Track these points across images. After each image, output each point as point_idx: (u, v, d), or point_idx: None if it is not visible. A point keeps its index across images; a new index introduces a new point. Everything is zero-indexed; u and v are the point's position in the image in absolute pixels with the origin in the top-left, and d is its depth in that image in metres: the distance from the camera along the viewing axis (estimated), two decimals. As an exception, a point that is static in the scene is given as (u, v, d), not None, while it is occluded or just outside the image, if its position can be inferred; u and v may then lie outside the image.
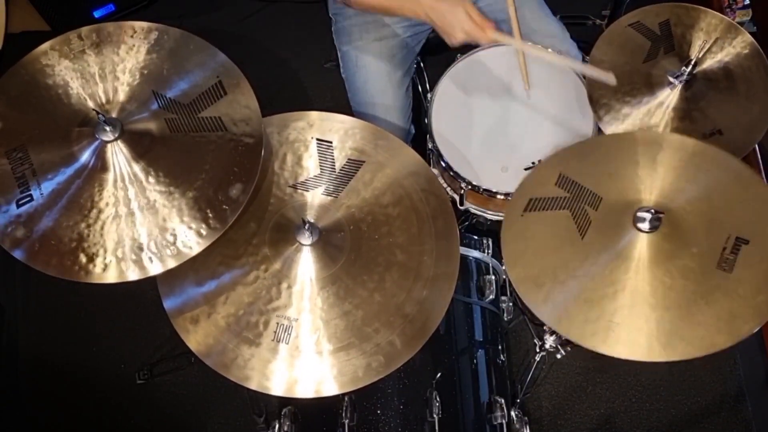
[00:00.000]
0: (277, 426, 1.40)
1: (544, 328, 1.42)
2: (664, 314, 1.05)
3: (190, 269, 1.11)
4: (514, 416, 1.43)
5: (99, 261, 1.04)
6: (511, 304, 1.54)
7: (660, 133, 1.30)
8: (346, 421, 1.28)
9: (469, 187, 1.46)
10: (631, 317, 1.05)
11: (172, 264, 1.04)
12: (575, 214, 1.13)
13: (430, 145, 1.54)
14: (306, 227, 1.11)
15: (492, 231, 1.58)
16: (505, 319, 1.53)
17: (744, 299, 1.05)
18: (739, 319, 1.04)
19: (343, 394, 1.29)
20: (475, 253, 1.51)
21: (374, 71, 1.66)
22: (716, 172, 1.15)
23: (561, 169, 1.17)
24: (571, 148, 1.23)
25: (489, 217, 1.55)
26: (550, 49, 1.52)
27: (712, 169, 1.16)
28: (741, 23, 2.01)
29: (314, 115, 1.26)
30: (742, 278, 1.06)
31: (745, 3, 2.07)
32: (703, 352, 1.03)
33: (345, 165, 1.22)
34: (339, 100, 1.73)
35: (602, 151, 1.21)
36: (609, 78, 1.30)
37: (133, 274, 1.04)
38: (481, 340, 1.48)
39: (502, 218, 1.22)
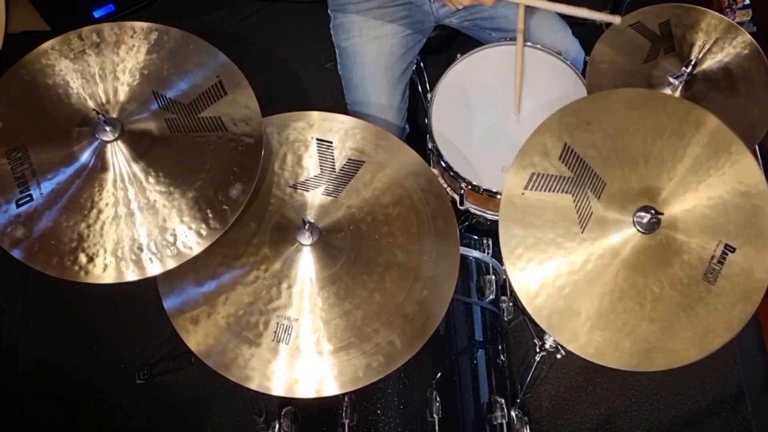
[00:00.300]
0: (277, 426, 1.40)
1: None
2: (649, 326, 1.05)
3: (190, 269, 1.11)
4: (514, 416, 1.43)
5: (99, 261, 1.04)
6: (511, 304, 1.54)
7: (673, 98, 1.26)
8: (346, 421, 1.28)
9: (469, 187, 1.46)
10: (616, 326, 1.05)
11: (172, 264, 1.04)
12: (577, 200, 1.10)
13: (430, 145, 1.54)
14: (306, 227, 1.11)
15: (492, 231, 1.58)
16: (505, 319, 1.53)
17: (720, 313, 1.05)
18: (711, 334, 1.05)
19: (343, 394, 1.29)
20: (475, 253, 1.51)
21: (371, 69, 1.65)
22: (721, 160, 1.12)
23: (566, 139, 1.12)
24: (578, 105, 1.16)
25: (489, 217, 1.55)
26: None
27: (718, 156, 1.12)
28: (741, 23, 2.01)
29: (314, 115, 1.26)
30: (722, 291, 1.06)
31: (745, 3, 2.07)
32: (675, 365, 1.04)
33: (345, 165, 1.22)
34: (339, 100, 1.73)
35: (610, 117, 1.15)
36: (615, 19, 1.34)
37: (132, 275, 1.04)
38: (481, 340, 1.48)
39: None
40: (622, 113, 1.15)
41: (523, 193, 1.10)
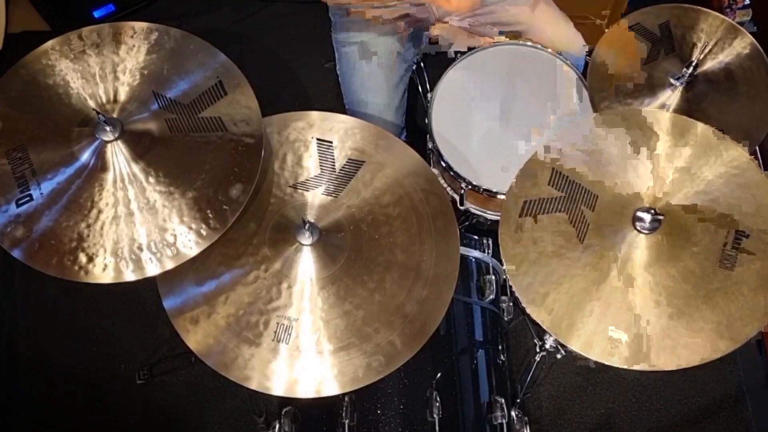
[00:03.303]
0: (277, 426, 1.40)
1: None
2: (669, 322, 1.05)
3: (190, 269, 1.11)
4: (514, 416, 1.43)
5: (99, 261, 1.04)
6: (511, 304, 1.54)
7: (649, 112, 1.28)
8: (346, 421, 1.28)
9: (469, 187, 1.46)
10: (636, 326, 1.05)
11: (171, 264, 1.04)
12: (572, 216, 1.12)
13: (430, 145, 1.54)
14: (306, 227, 1.11)
15: (492, 231, 1.58)
16: (505, 319, 1.53)
17: (744, 300, 1.05)
18: (739, 323, 1.04)
19: (343, 394, 1.29)
20: (475, 253, 1.51)
21: (370, 71, 1.65)
22: (712, 158, 1.14)
23: (554, 165, 1.15)
24: (560, 133, 1.20)
25: (489, 217, 1.55)
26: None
27: (709, 155, 1.15)
28: (741, 23, 2.01)
29: (314, 115, 1.26)
30: (743, 277, 1.06)
31: (745, 3, 2.07)
32: (706, 359, 1.03)
33: (345, 165, 1.22)
34: (339, 100, 1.73)
35: (592, 138, 1.19)
36: None
37: (132, 275, 1.04)
38: (481, 340, 1.48)
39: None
40: (602, 133, 1.18)
41: (518, 220, 1.13)
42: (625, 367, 1.04)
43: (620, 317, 1.05)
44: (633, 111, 1.30)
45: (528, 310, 1.07)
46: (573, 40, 1.65)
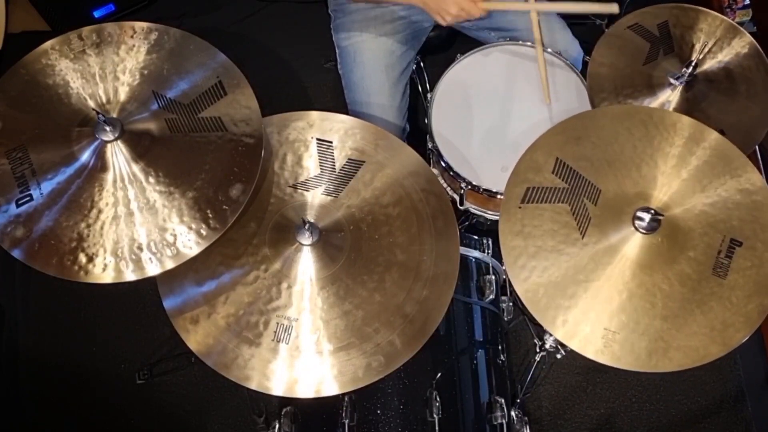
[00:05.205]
0: (277, 426, 1.40)
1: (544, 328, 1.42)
2: (662, 324, 1.05)
3: (190, 269, 1.11)
4: (514, 416, 1.43)
5: (99, 261, 1.04)
6: (511, 304, 1.54)
7: (654, 109, 1.28)
8: (346, 421, 1.28)
9: (469, 187, 1.46)
10: (629, 326, 1.05)
11: (171, 264, 1.04)
12: (574, 208, 1.12)
13: (430, 145, 1.54)
14: (306, 227, 1.11)
15: (492, 231, 1.58)
16: (505, 319, 1.53)
17: (736, 307, 1.05)
18: (731, 328, 1.04)
19: (343, 394, 1.29)
20: (475, 253, 1.51)
21: (372, 68, 1.66)
22: (714, 163, 1.14)
23: (557, 154, 1.15)
24: (566, 124, 1.19)
25: (489, 217, 1.55)
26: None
27: (710, 159, 1.15)
28: (741, 23, 2.01)
29: (314, 115, 1.26)
30: (735, 285, 1.07)
31: (745, 3, 2.07)
32: (697, 363, 1.03)
33: (345, 165, 1.22)
34: (339, 100, 1.73)
35: (599, 132, 1.18)
36: (612, 8, 1.37)
37: (132, 275, 1.04)
38: (481, 340, 1.48)
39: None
40: (610, 127, 1.18)
41: (520, 207, 1.12)
42: (617, 366, 1.04)
43: (615, 316, 1.05)
44: (643, 109, 1.29)
45: (525, 302, 1.07)
46: (570, 47, 1.65)
